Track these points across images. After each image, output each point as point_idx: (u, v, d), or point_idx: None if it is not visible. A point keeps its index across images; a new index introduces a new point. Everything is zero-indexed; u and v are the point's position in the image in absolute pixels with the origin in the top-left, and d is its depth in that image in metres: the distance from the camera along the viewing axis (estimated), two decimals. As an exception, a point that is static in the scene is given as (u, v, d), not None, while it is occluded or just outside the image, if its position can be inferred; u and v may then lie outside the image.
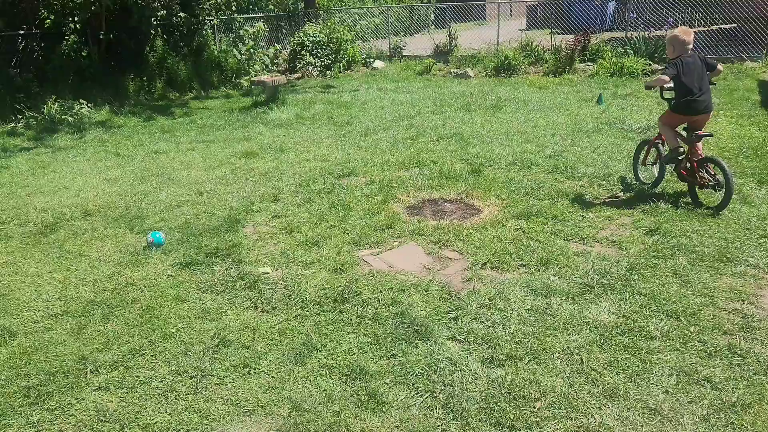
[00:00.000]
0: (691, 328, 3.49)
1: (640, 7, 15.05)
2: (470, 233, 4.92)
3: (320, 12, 18.85)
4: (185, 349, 3.50)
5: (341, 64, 15.86)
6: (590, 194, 5.83)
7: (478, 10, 19.49)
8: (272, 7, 18.02)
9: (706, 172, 5.29)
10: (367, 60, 16.54)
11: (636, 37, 13.97)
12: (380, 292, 4.04)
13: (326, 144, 8.29)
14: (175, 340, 3.60)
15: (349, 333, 3.60)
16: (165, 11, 12.61)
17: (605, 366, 3.18)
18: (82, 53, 11.37)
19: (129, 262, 4.75)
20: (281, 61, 16.28)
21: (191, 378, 3.24)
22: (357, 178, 6.67)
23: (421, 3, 27.07)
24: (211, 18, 14.40)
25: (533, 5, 25.74)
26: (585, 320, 3.61)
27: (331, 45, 15.96)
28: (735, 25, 14.77)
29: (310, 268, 4.48)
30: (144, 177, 7.02)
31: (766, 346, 3.32)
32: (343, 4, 23.49)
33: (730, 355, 3.24)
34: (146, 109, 11.11)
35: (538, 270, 4.29)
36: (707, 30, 15.06)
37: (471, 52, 15.80)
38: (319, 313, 3.84)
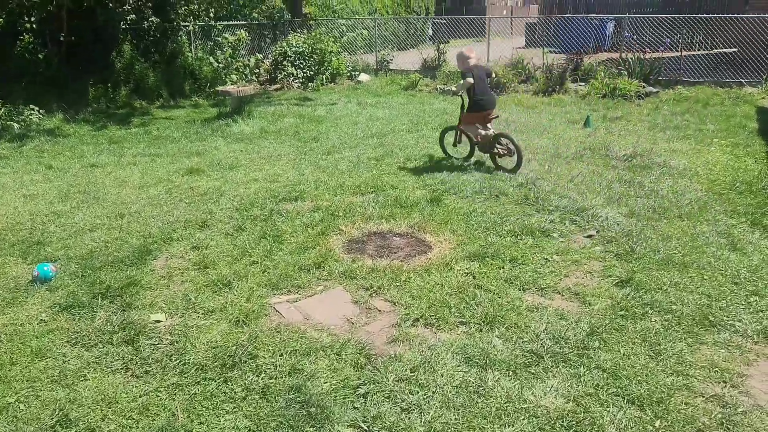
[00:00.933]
0: (657, 423, 2.75)
1: (638, 28, 14.43)
2: (410, 278, 4.18)
3: (311, 22, 18.25)
4: (13, 429, 2.75)
5: (324, 77, 15.19)
6: (559, 231, 5.10)
7: (478, 26, 18.83)
8: (256, 15, 17.38)
9: (500, 144, 6.83)
10: (352, 73, 15.89)
11: (631, 58, 13.31)
12: (281, 355, 3.29)
13: (283, 162, 7.58)
14: (6, 416, 2.85)
15: (226, 413, 2.86)
16: (135, 15, 11.98)
17: (538, 479, 2.43)
18: (39, 56, 10.68)
19: (2, 300, 4.00)
20: (262, 71, 15.62)
21: (2, 475, 2.50)
22: (303, 203, 5.95)
23: (419, 17, 26.55)
24: (186, 24, 13.77)
25: (532, 23, 25.23)
26: (524, 405, 2.86)
27: (314, 56, 15.30)
28: (736, 49, 14.15)
29: (209, 317, 3.74)
30: (67, 194, 6.30)
31: (750, 453, 2.57)
32: (336, 15, 22.93)
33: (703, 467, 2.49)
34: (103, 118, 10.40)
35: (480, 330, 3.54)
36: (707, 53, 14.44)
37: (460, 67, 15.13)
38: (198, 382, 3.09)
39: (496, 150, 6.86)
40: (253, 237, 5.01)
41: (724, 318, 3.64)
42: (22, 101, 9.84)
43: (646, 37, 14.03)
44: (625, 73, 13.08)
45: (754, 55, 12.52)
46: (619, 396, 2.93)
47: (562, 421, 2.75)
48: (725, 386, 3.02)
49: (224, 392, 3.00)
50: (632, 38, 14.04)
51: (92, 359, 3.32)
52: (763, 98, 11.28)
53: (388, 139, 8.79)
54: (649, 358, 3.25)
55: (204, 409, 2.88)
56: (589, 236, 5.03)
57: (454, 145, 7.52)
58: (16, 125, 9.21)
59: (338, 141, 8.71)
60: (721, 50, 14.90)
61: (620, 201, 5.81)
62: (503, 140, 6.81)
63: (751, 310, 3.76)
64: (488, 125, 6.97)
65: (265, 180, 6.75)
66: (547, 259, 4.55)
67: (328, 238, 4.96)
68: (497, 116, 7.17)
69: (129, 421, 2.81)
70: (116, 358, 3.32)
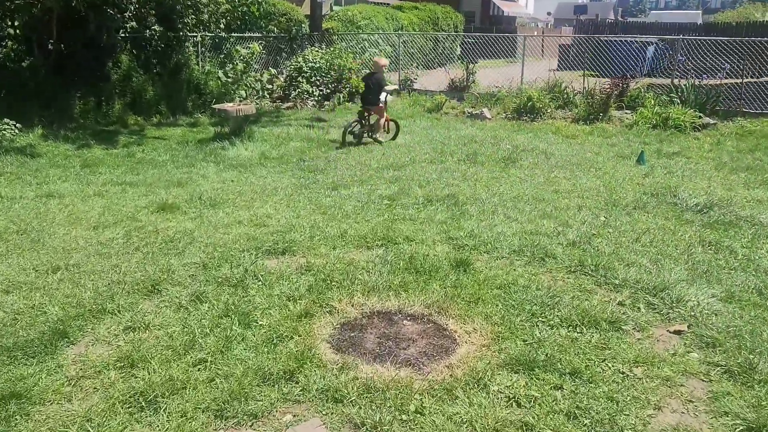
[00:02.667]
0: None
1: (692, 50, 12.94)
2: (423, 407, 2.79)
3: (334, 37, 17.10)
4: None
5: (341, 95, 13.96)
6: (634, 322, 3.68)
7: (508, 46, 17.44)
8: (273, 28, 16.26)
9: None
10: (373, 92, 14.62)
11: (684, 85, 11.83)
12: None
13: (277, 198, 6.27)
14: None
15: None
16: (136, 23, 10.90)
17: None
18: (23, 63, 9.60)
19: None
20: (276, 87, 14.46)
21: None
22: (291, 258, 4.62)
23: (448, 34, 25.34)
24: (194, 34, 12.67)
25: (566, 45, 23.84)
26: None
27: (332, 72, 14.12)
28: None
29: (106, 472, 2.40)
30: (1, 235, 5.05)
31: None
32: (360, 30, 21.83)
33: None
34: (87, 135, 9.22)
35: None
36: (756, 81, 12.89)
37: (490, 90, 13.79)
38: None
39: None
40: (212, 314, 3.68)
41: None
42: (-2, 114, 8.72)
43: (700, 61, 12.53)
44: (678, 101, 11.61)
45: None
46: None
47: None
48: None
49: None
50: (685, 62, 12.55)
51: None
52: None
53: (406, 172, 7.45)
54: None
55: None
56: (677, 332, 3.60)
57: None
58: (-16, 141, 8.07)
59: (347, 172, 7.39)
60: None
61: (709, 275, 4.36)
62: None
63: None
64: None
65: (250, 223, 5.44)
66: (623, 373, 3.13)
67: (312, 322, 3.59)
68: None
69: None
70: None
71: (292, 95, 13.81)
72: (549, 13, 59.81)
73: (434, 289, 4.04)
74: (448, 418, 2.71)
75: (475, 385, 2.97)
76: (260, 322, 3.57)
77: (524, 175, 7.37)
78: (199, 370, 3.09)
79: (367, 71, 12.75)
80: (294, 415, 2.75)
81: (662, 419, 2.79)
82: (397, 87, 11.52)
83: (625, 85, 12.28)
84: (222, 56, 13.76)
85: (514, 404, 2.84)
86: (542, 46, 26.10)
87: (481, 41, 17.48)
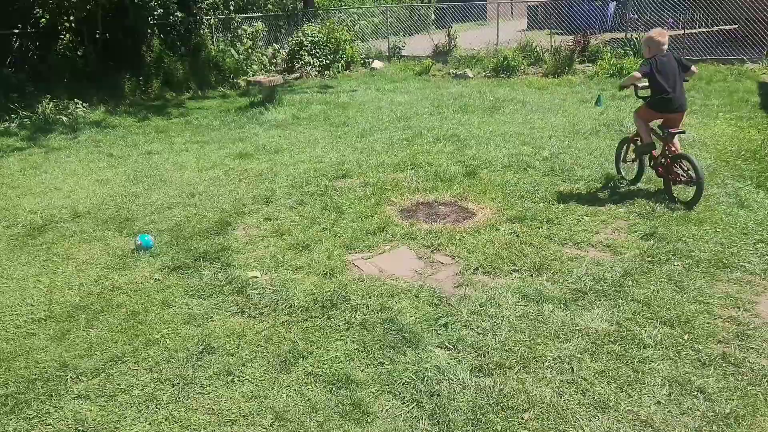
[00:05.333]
0: (685, 336, 3.42)
1: (640, 7, 14.97)
2: (463, 237, 4.85)
3: (320, 12, 18.77)
4: (168, 356, 3.43)
5: (340, 65, 15.78)
6: (586, 197, 5.75)
7: (479, 10, 19.34)
8: (271, 6, 17.91)
9: (680, 168, 5.44)
10: (366, 60, 16.47)
11: (636, 38, 13.87)
12: (369, 297, 3.97)
13: (322, 145, 8.22)
14: (159, 347, 3.53)
15: (336, 340, 3.53)
16: (162, 10, 12.54)
17: (596, 376, 3.10)
18: (78, 52, 11.28)
19: (116, 265, 4.67)
20: (279, 61, 16.21)
21: (173, 386, 3.17)
22: (351, 180, 6.61)
23: (422, 3, 27.00)
24: (208, 17, 14.33)
25: (534, 5, 25.64)
26: (577, 328, 3.54)
27: (329, 45, 15.88)
28: (736, 26, 14.70)
29: (299, 272, 4.41)
30: (136, 178, 6.96)
31: (761, 355, 3.24)
32: (343, 4, 23.41)
33: (724, 365, 3.16)
34: (142, 109, 11.04)
35: (531, 275, 4.22)
36: (708, 31, 14.99)
37: (470, 52, 15.72)
38: (306, 319, 3.77)
39: (673, 174, 5.48)
40: (316, 209, 5.68)
41: (736, 260, 4.31)
42: (66, 96, 10.45)
43: (649, 16, 14.57)
44: (631, 53, 13.66)
45: (755, 31, 13.09)
46: (653, 319, 3.61)
47: (609, 337, 3.43)
48: (739, 310, 3.69)
49: (330, 326, 3.68)
50: (636, 18, 14.58)
51: (211, 306, 3.99)
52: (763, 74, 11.87)
53: (413, 122, 9.42)
54: (675, 292, 3.92)
55: (317, 338, 3.56)
56: (613, 200, 5.68)
57: (624, 160, 6.25)
58: (64, 118, 9.84)
59: (367, 125, 9.33)
60: (722, 27, 15.44)
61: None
62: (684, 163, 5.39)
63: (758, 254, 4.41)
64: (670, 140, 5.55)
65: (310, 161, 7.40)
66: (578, 219, 5.21)
67: (383, 208, 5.62)
68: (683, 132, 5.80)
69: (258, 348, 3.48)
70: (232, 304, 3.99)
71: (296, 67, 15.57)
72: (516, -26, 60.68)
73: (455, 188, 6.07)
74: (478, 241, 4.77)
75: (491, 228, 5.03)
76: (350, 211, 5.58)
77: (507, 118, 9.38)
78: (325, 232, 5.10)
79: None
80: (390, 246, 4.79)
81: (599, 237, 4.87)
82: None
83: (586, 42, 14.29)
84: (231, 36, 15.44)
85: (514, 235, 4.91)
86: (511, 7, 27.93)
87: (454, 7, 19.29)
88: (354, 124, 9.44)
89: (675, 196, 5.48)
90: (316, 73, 15.37)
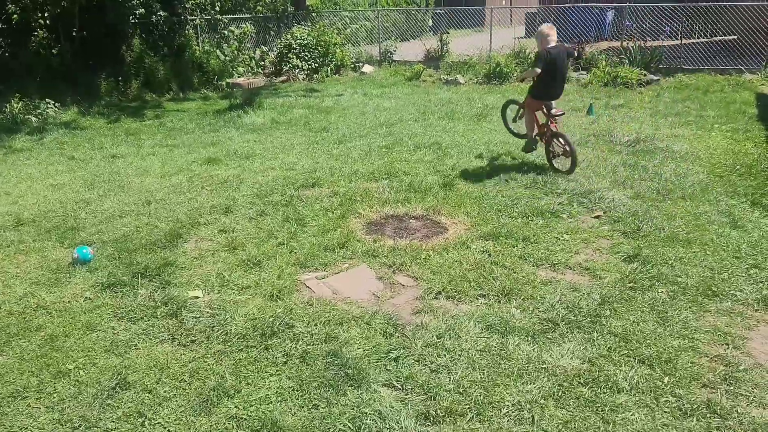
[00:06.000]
0: (666, 379, 3.00)
1: (638, 16, 14.61)
2: (429, 256, 4.43)
3: (314, 14, 18.41)
4: (77, 392, 3.01)
5: (329, 68, 15.39)
6: (568, 213, 5.34)
7: (477, 16, 18.98)
8: (260, 8, 17.53)
9: (558, 144, 6.40)
10: (356, 64, 16.08)
11: (632, 47, 13.51)
12: (315, 325, 3.55)
13: (296, 151, 7.82)
14: (69, 380, 3.11)
15: (270, 375, 3.11)
16: (144, 9, 12.16)
17: (560, 427, 2.69)
18: (53, 50, 10.88)
19: (47, 281, 4.25)
20: (267, 63, 15.81)
21: (74, 430, 2.74)
22: (320, 189, 6.19)
23: (419, 7, 26.69)
24: (193, 18, 13.95)
25: (532, 12, 25.36)
26: (543, 366, 3.12)
27: (319, 48, 15.49)
28: (735, 36, 14.34)
29: (244, 293, 3.99)
30: (93, 183, 6.54)
31: (751, 403, 2.83)
32: (337, 7, 23.08)
33: (708, 415, 2.75)
34: (116, 111, 10.63)
35: (499, 301, 3.80)
36: (707, 41, 14.64)
37: (463, 58, 15.35)
38: (241, 349, 3.35)
39: (552, 147, 6.47)
40: (276, 221, 5.26)
41: (726, 288, 3.90)
42: (38, 95, 10.05)
43: (646, 25, 14.21)
44: (627, 61, 13.28)
45: (753, 42, 12.73)
46: (630, 357, 3.19)
47: (580, 378, 3.01)
48: (728, 348, 3.28)
49: (266, 358, 3.26)
50: (633, 27, 14.22)
51: (140, 331, 3.57)
52: (762, 85, 11.50)
53: (396, 129, 9.01)
54: (657, 324, 3.50)
55: (249, 372, 3.14)
56: (597, 217, 5.28)
57: (514, 120, 7.43)
58: (33, 119, 9.44)
59: (348, 131, 8.93)
60: (720, 38, 15.09)
61: (625, 184, 6.05)
62: (560, 140, 6.36)
63: (752, 281, 4.01)
64: (553, 120, 6.51)
65: (281, 168, 6.99)
66: (557, 238, 4.80)
67: (348, 221, 5.20)
68: (563, 113, 6.73)
69: (181, 383, 3.07)
70: (162, 330, 3.58)
71: (284, 70, 15.18)
72: (517, -19, 60.70)
73: (429, 200, 5.66)
74: (444, 260, 4.36)
75: (461, 246, 4.61)
76: (312, 223, 5.17)
77: (493, 126, 8.99)
78: (280, 247, 4.68)
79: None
80: (349, 264, 4.38)
81: (579, 258, 4.46)
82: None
83: (580, 50, 13.91)
84: (218, 37, 15.06)
85: (486, 254, 4.49)
86: (510, 14, 27.63)
87: (451, 13, 18.93)
88: (334, 130, 9.04)
89: (556, 167, 6.47)
90: (305, 76, 14.98)
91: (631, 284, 3.98)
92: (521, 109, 7.02)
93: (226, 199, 5.91)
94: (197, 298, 3.96)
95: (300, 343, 3.37)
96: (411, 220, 5.31)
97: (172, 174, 6.86)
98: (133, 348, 3.39)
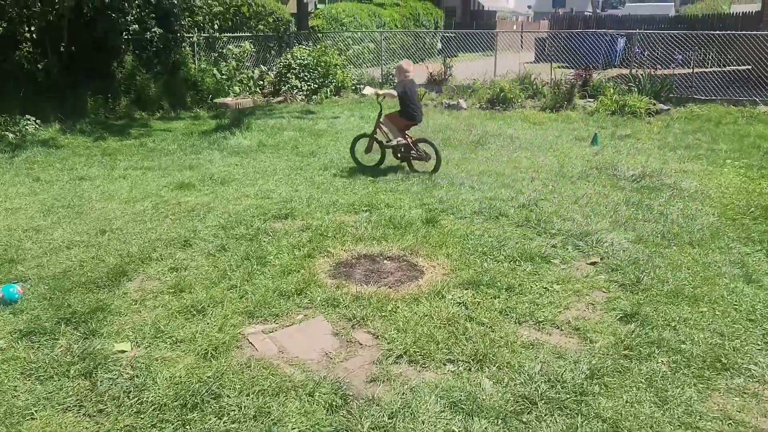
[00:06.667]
0: (662, 487, 2.43)
1: (650, 44, 14.13)
2: (397, 308, 3.89)
3: (319, 34, 18.10)
4: (-59, 478, 2.48)
5: (329, 89, 15.00)
6: (561, 257, 4.79)
7: (488, 40, 18.54)
8: (262, 27, 17.26)
9: (418, 149, 7.44)
10: (357, 86, 15.69)
11: (641, 75, 13.02)
12: (248, 395, 3.00)
13: (277, 177, 7.33)
14: (-63, 460, 2.59)
15: (180, 462, 2.57)
16: (137, 25, 11.84)
17: None
18: (38, 65, 10.54)
19: (-39, 324, 3.75)
20: (266, 83, 15.46)
21: None
22: (293, 221, 5.68)
23: (428, 30, 26.43)
24: (190, 35, 13.64)
25: (542, 38, 24.99)
26: (512, 462, 2.56)
27: (319, 69, 15.14)
28: (749, 66, 13.81)
29: (177, 348, 3.46)
30: (51, 208, 6.07)
31: None
32: (344, 28, 22.82)
33: None
34: (100, 129, 10.22)
35: (469, 369, 3.24)
36: (720, 71, 14.11)
37: (467, 82, 14.91)
38: (155, 424, 2.81)
39: (416, 152, 7.44)
40: (235, 258, 4.74)
41: (739, 360, 3.32)
42: (19, 111, 9.67)
43: (657, 53, 13.72)
44: (636, 89, 12.77)
45: (769, 73, 12.19)
46: (619, 452, 2.62)
47: (555, 483, 2.44)
48: (740, 442, 2.70)
49: (181, 437, 2.72)
50: (643, 54, 13.73)
51: (44, 395, 3.04)
52: (777, 117, 10.93)
53: (388, 155, 8.52)
54: (654, 407, 2.93)
55: (156, 457, 2.60)
56: (593, 263, 4.72)
57: (366, 152, 7.83)
58: (11, 135, 9.04)
59: (336, 156, 8.45)
60: (734, 67, 14.56)
61: (627, 225, 5.49)
62: (422, 144, 7.47)
63: (768, 351, 3.43)
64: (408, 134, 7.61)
65: (256, 196, 6.50)
66: (546, 288, 4.25)
67: (314, 261, 4.68)
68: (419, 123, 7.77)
69: (72, 469, 2.53)
70: (71, 393, 3.04)
71: (282, 90, 14.82)
72: (529, 7, 60.88)
73: (408, 239, 5.13)
74: (414, 314, 3.81)
75: (435, 296, 4.06)
76: (274, 263, 4.65)
77: (490, 155, 8.47)
78: (231, 291, 4.16)
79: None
80: (305, 315, 3.84)
81: (568, 314, 3.90)
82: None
83: (588, 76, 13.44)
84: (215, 55, 14.73)
85: (462, 306, 3.94)
86: (521, 39, 27.29)
87: (461, 36, 18.55)
88: (322, 155, 8.56)
89: (416, 169, 7.48)
90: (303, 97, 14.60)
91: (626, 351, 3.41)
92: (372, 141, 7.73)
93: (187, 230, 5.41)
94: (123, 352, 3.43)
95: (224, 419, 2.83)
96: (385, 261, 4.77)
97: (139, 200, 6.39)
98: (29, 418, 2.86)
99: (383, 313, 3.82)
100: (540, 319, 3.79)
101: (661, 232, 5.29)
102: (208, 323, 3.72)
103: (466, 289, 4.19)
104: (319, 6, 25.98)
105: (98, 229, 5.46)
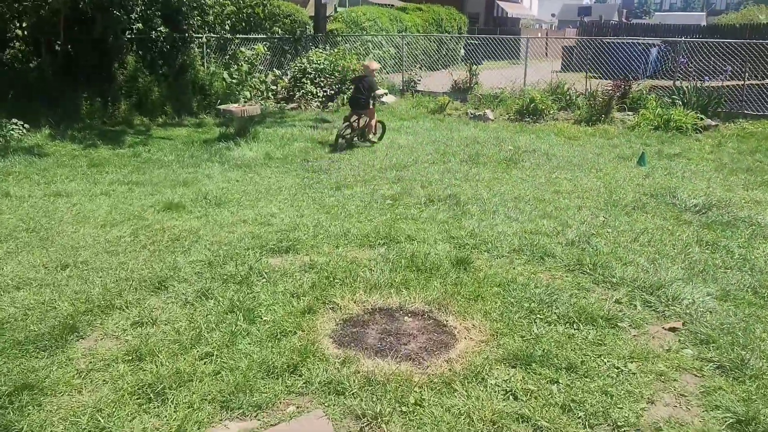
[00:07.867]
0: None
1: (696, 52, 12.98)
2: (422, 399, 2.88)
3: (338, 38, 17.18)
4: None
5: (346, 96, 14.05)
6: (630, 319, 3.75)
7: (512, 47, 17.47)
8: (277, 29, 16.38)
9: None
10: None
11: (686, 87, 11.88)
12: None
13: (282, 197, 6.37)
14: None
15: None
16: (142, 24, 11.01)
17: None
18: (30, 64, 9.72)
19: None
20: (280, 88, 14.57)
21: None
22: (294, 256, 4.71)
23: (452, 35, 25.42)
24: (199, 36, 12.79)
25: (569, 46, 23.87)
26: None
27: (336, 74, 14.22)
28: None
29: (116, 459, 2.49)
30: (11, 233, 5.14)
31: None
32: (364, 32, 21.92)
33: None
34: (94, 135, 9.34)
35: None
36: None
37: (494, 91, 13.87)
38: None
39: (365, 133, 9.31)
40: (218, 310, 3.77)
41: None
42: (5, 114, 8.83)
43: (705, 63, 12.57)
44: (680, 103, 11.66)
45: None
46: None
47: None
48: None
49: None
50: (688, 64, 12.59)
51: None
52: None
53: (408, 172, 7.53)
54: None
55: None
56: (673, 329, 3.67)
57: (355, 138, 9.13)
58: (-7, 140, 8.20)
59: (350, 173, 7.48)
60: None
61: (705, 274, 4.43)
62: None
63: None
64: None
65: (254, 222, 5.53)
66: (619, 368, 3.21)
67: (315, 318, 3.68)
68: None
69: None
70: None
71: (296, 96, 13.92)
72: (553, 15, 59.78)
73: (435, 287, 4.12)
74: (446, 410, 2.79)
75: (474, 379, 3.05)
76: (265, 318, 3.67)
77: (525, 175, 7.45)
78: (205, 363, 3.18)
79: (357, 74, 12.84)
80: (297, 407, 2.84)
81: (655, 412, 2.87)
82: (386, 91, 11.44)
83: (627, 87, 12.33)
84: (227, 57, 13.87)
85: (511, 397, 2.93)
86: (546, 47, 26.20)
87: (485, 43, 17.52)
88: (334, 171, 7.59)
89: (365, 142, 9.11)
90: (318, 104, 13.68)
91: (753, 488, 2.37)
92: (356, 131, 9.20)
93: (166, 266, 4.45)
94: (42, 461, 2.47)
95: None
96: (406, 318, 3.77)
97: (117, 223, 5.45)
98: None
99: (404, 408, 2.81)
100: (619, 423, 2.76)
101: (752, 286, 4.22)
102: (166, 417, 2.74)
103: (513, 367, 3.17)
104: (339, 9, 25.12)
105: (60, 262, 4.52)
